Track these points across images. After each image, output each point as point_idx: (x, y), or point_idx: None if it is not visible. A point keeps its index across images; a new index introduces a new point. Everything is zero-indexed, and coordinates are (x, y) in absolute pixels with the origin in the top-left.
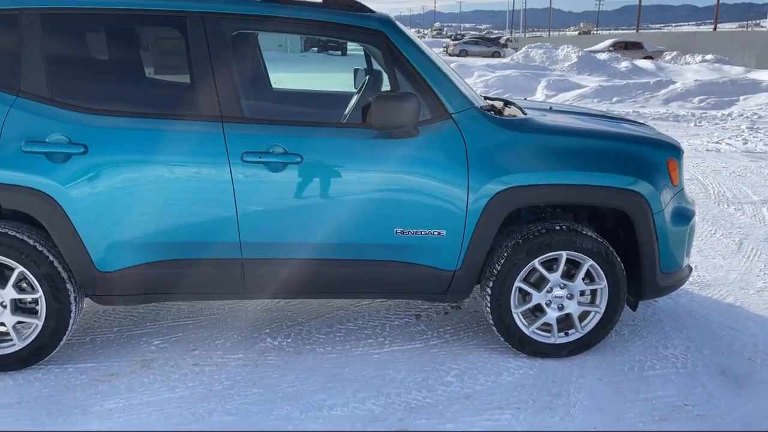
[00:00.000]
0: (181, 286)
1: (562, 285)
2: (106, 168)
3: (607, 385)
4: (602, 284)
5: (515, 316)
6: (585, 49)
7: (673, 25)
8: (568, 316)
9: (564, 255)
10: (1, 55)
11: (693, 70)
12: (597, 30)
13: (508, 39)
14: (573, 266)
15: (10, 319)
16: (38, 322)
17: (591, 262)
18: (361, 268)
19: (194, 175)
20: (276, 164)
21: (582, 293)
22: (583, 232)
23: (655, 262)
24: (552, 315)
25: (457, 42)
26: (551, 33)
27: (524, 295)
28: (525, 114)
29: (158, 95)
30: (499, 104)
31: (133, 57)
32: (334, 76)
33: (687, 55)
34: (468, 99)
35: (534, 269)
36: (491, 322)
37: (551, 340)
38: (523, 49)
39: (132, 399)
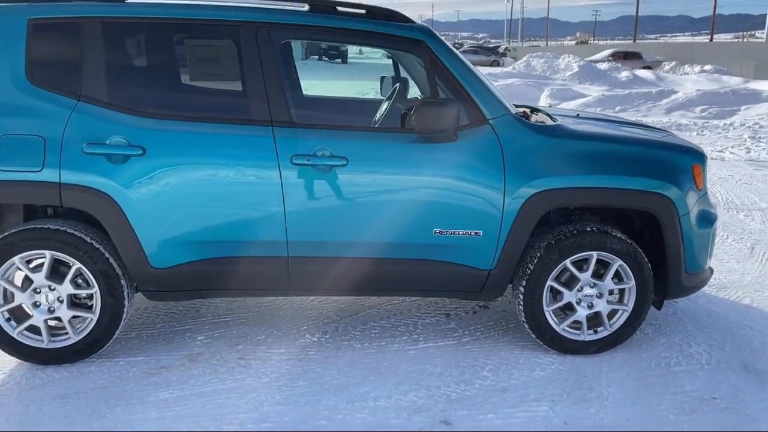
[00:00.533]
0: (230, 282)
1: (592, 284)
2: (162, 169)
3: (636, 380)
4: (630, 284)
5: (547, 313)
6: (585, 59)
7: (669, 35)
8: (597, 314)
9: (594, 255)
10: (64, 62)
11: (692, 81)
12: (594, 40)
13: (506, 48)
14: (602, 266)
15: (66, 313)
16: (93, 317)
17: (620, 262)
18: (402, 267)
19: (245, 177)
20: (323, 166)
21: (611, 292)
22: (613, 233)
23: (681, 263)
24: (582, 313)
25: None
26: (549, 42)
27: (555, 294)
28: (555, 120)
29: (211, 100)
30: (527, 111)
31: (188, 63)
32: (336, 84)
33: (686, 66)
34: (504, 105)
35: (565, 269)
36: (523, 319)
37: (581, 338)
38: (525, 58)
39: (185, 390)
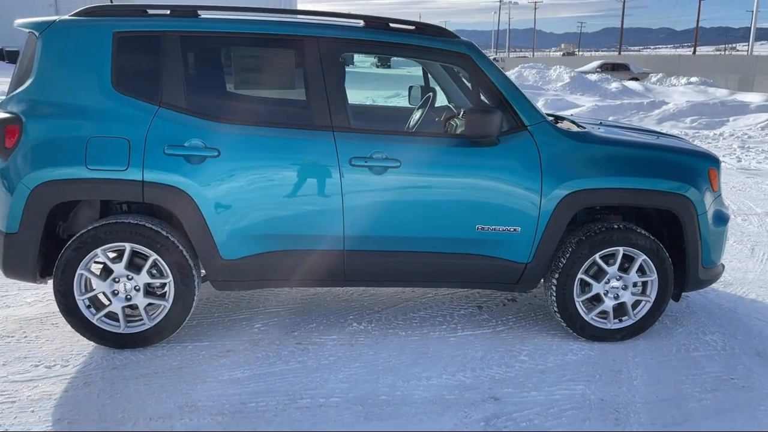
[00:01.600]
0: (291, 273)
1: (618, 277)
2: (235, 169)
3: (660, 364)
4: (653, 277)
5: (577, 304)
6: (576, 70)
7: (652, 47)
8: (622, 304)
9: (621, 250)
10: (145, 71)
11: (679, 92)
12: (579, 51)
13: (494, 59)
14: (626, 260)
15: (142, 301)
16: (166, 304)
17: (644, 256)
18: (446, 260)
19: (309, 177)
20: (378, 168)
21: (634, 284)
22: (638, 230)
23: (698, 258)
24: (609, 303)
25: None
26: (535, 53)
27: (584, 286)
28: (583, 127)
29: (278, 108)
30: (554, 118)
31: (256, 74)
32: None
33: (672, 77)
34: (540, 113)
35: (594, 263)
36: (555, 309)
37: (607, 326)
38: (516, 68)
39: (254, 370)
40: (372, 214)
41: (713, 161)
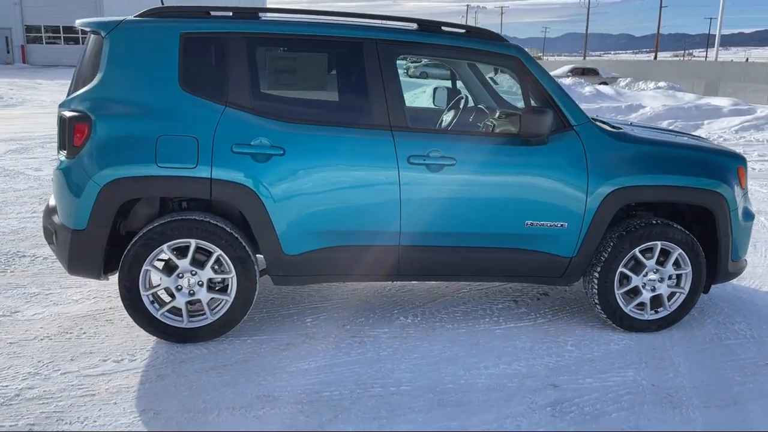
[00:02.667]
0: (348, 268)
1: (655, 270)
2: (299, 167)
3: (698, 352)
4: (687, 270)
5: (617, 296)
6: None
7: (612, 52)
8: (658, 296)
9: (659, 245)
10: (212, 72)
11: (650, 96)
12: (543, 56)
13: None
14: (661, 254)
15: (205, 295)
16: (228, 299)
17: (679, 250)
18: (496, 255)
19: (368, 174)
20: (435, 165)
21: (670, 277)
22: (675, 226)
23: (728, 252)
24: (646, 296)
25: (417, 64)
26: None
27: (622, 279)
28: (618, 128)
29: (339, 107)
30: None
31: (317, 74)
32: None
33: (640, 82)
34: (584, 114)
35: (633, 257)
36: (596, 301)
37: (644, 317)
38: (490, 73)
39: (319, 361)
40: (427, 211)
41: (741, 160)
